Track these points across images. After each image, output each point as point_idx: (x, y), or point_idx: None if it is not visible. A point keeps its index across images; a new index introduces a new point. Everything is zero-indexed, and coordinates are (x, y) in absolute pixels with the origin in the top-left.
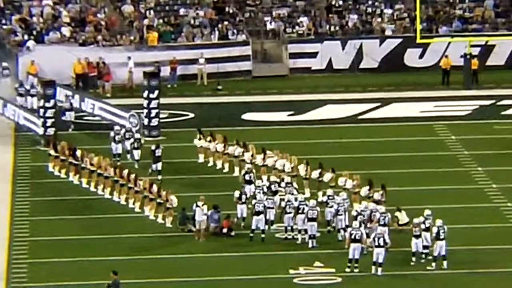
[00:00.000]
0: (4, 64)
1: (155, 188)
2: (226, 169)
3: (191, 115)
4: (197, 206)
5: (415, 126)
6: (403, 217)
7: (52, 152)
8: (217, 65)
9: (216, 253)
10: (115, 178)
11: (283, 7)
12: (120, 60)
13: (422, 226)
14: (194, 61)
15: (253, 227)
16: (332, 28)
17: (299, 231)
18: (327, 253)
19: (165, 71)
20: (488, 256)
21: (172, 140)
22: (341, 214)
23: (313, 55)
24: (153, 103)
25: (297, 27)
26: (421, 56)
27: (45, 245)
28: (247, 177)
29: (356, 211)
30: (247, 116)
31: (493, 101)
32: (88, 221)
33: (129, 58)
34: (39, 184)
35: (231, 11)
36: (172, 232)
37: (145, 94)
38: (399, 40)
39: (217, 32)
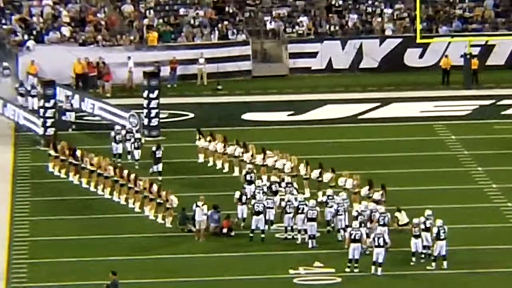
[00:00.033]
0: (5, 64)
1: (155, 188)
2: (226, 169)
3: (191, 115)
4: (197, 206)
5: (415, 126)
6: (403, 218)
7: (52, 152)
8: (217, 65)
9: (216, 253)
10: (115, 178)
11: (283, 7)
12: (120, 60)
13: (422, 226)
14: (194, 61)
15: (253, 227)
16: (332, 28)
17: (299, 231)
18: (327, 253)
19: (165, 71)
20: (488, 256)
21: (172, 140)
22: (341, 214)
23: (313, 55)
24: (153, 103)
25: (297, 27)
26: (421, 56)
27: (45, 245)
28: (248, 177)
29: (357, 211)
30: (247, 116)
31: (493, 101)
32: (88, 221)
33: (129, 58)
34: (39, 184)
35: (231, 11)
36: (172, 232)
37: (145, 94)
38: (399, 40)
39: (217, 32)
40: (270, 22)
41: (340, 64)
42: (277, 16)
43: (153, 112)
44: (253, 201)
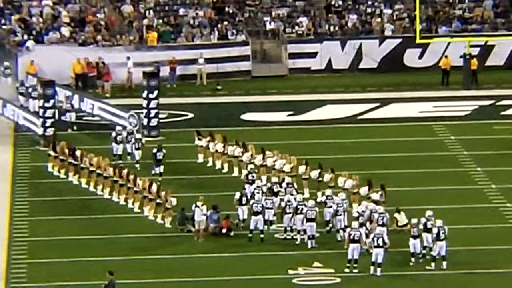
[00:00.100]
0: (6, 63)
1: (154, 188)
2: (226, 169)
3: (191, 115)
4: (196, 206)
5: (414, 126)
6: (402, 219)
7: (51, 152)
8: (216, 65)
9: (215, 253)
10: (115, 178)
11: (283, 7)
12: (119, 60)
13: (421, 227)
14: (193, 61)
15: (252, 227)
16: (332, 28)
17: (298, 232)
18: (326, 253)
19: (165, 71)
20: (487, 257)
21: (172, 140)
22: (340, 215)
23: (313, 55)
24: (153, 103)
25: (296, 27)
26: (420, 56)
27: (44, 245)
28: (250, 177)
29: (357, 212)
30: (246, 116)
31: (492, 101)
32: (88, 221)
33: (128, 58)
34: (38, 184)
35: (230, 11)
36: (171, 232)
37: (145, 94)
38: (399, 40)
39: (216, 32)
40: (270, 23)
41: (339, 64)
42: (277, 16)
43: (153, 112)
44: (251, 201)
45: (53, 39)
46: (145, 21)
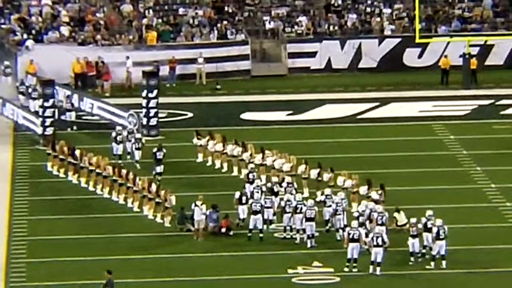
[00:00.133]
0: (6, 63)
1: (153, 187)
2: (225, 169)
3: (190, 114)
4: (195, 205)
5: (414, 125)
6: (401, 218)
7: (51, 151)
8: (216, 64)
9: (214, 252)
10: (114, 178)
11: (282, 7)
12: (119, 59)
13: (419, 226)
14: (193, 61)
15: (251, 226)
16: (331, 28)
17: (298, 231)
18: (326, 252)
19: (164, 71)
20: (487, 256)
21: (171, 139)
22: (339, 214)
23: (312, 54)
24: (152, 103)
25: (296, 27)
26: (420, 56)
27: (43, 244)
28: (250, 176)
29: (358, 211)
30: (246, 115)
31: (492, 101)
32: (87, 220)
33: (127, 57)
34: (38, 183)
35: (230, 11)
36: (170, 232)
37: (144, 93)
38: (398, 40)
39: (216, 32)
40: (269, 22)
41: (339, 64)
42: (276, 15)
43: (152, 112)
44: (250, 201)
45: (53, 39)
46: (145, 21)
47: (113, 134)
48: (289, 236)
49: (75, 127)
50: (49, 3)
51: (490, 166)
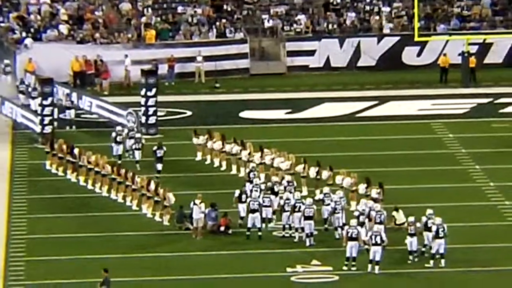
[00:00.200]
0: (6, 61)
1: (152, 186)
2: (224, 167)
3: (189, 113)
4: (194, 204)
5: (412, 124)
6: (400, 217)
7: (49, 150)
8: (214, 63)
9: (213, 251)
10: (113, 176)
11: (281, 5)
12: (117, 58)
13: (418, 225)
14: (191, 59)
15: (249, 225)
16: (330, 26)
17: (296, 229)
18: (324, 251)
19: (163, 69)
20: (486, 254)
21: (170, 138)
22: (338, 213)
23: (311, 53)
24: (151, 101)
25: (295, 25)
26: (419, 54)
27: (42, 243)
28: (251, 175)
29: (358, 210)
30: (244, 114)
31: (491, 99)
32: (86, 219)
33: (126, 56)
34: (36, 182)
35: (229, 9)
36: (169, 230)
37: (143, 92)
38: (397, 38)
39: (214, 30)
40: (268, 20)
41: (338, 62)
42: (275, 14)
43: (151, 110)
44: (248, 199)
45: (51, 37)
46: (143, 19)
47: (113, 134)
48: (287, 235)
49: (74, 127)
50: (47, 2)
51: (489, 164)
